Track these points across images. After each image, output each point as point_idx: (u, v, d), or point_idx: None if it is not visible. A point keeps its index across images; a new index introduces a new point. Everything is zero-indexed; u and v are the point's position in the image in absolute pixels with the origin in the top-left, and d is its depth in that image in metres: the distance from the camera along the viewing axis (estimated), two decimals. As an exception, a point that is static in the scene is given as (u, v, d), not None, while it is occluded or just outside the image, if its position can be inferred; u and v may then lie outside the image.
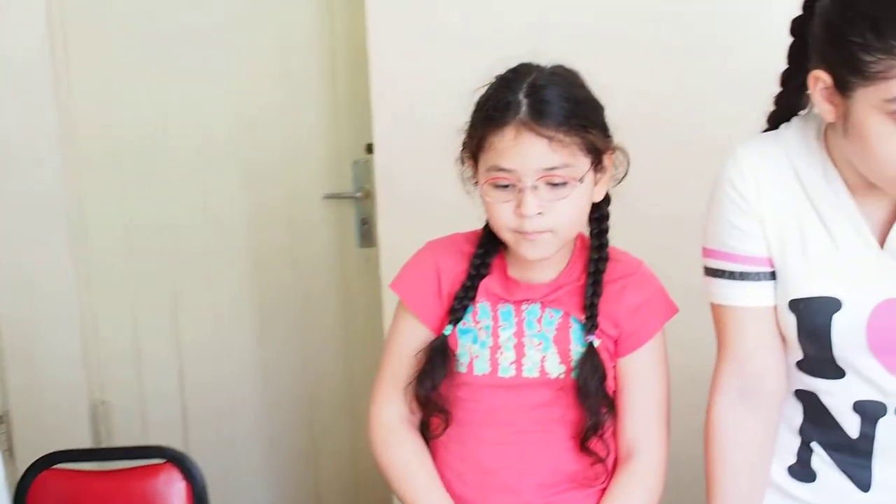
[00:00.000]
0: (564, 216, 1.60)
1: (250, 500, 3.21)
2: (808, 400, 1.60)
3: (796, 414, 1.62)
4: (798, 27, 1.53)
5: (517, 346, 1.67)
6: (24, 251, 2.97)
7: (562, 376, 1.67)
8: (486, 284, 1.70)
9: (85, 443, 3.06)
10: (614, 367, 1.70)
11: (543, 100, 1.57)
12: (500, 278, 1.71)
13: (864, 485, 1.57)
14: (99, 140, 3.05)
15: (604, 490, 1.71)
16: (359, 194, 3.03)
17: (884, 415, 1.53)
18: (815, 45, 1.44)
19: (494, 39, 2.51)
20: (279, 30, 3.00)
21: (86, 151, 3.06)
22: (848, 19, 1.36)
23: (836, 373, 1.53)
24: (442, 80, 2.59)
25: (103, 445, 3.13)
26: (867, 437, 1.54)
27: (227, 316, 3.16)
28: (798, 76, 1.50)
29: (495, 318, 1.69)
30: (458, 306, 1.69)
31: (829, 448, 1.59)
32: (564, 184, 1.59)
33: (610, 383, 1.69)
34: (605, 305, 1.67)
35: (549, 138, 1.56)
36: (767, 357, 1.59)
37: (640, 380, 1.70)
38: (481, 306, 1.70)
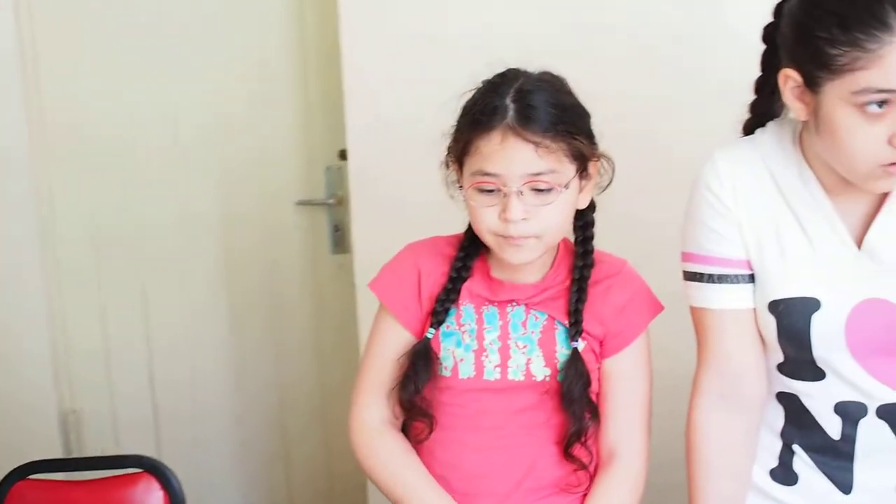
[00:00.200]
0: (549, 222, 1.61)
1: (223, 502, 3.19)
2: (789, 402, 1.61)
3: (777, 417, 1.63)
4: (769, 34, 1.56)
5: (502, 349, 1.67)
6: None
7: (547, 379, 1.67)
8: (469, 287, 1.70)
9: (55, 451, 3.03)
10: (598, 368, 1.70)
11: (530, 105, 1.58)
12: (484, 280, 1.71)
13: (845, 487, 1.58)
14: (69, 140, 3.03)
15: (585, 495, 1.71)
16: (331, 200, 3.02)
17: (864, 416, 1.54)
18: (784, 45, 1.48)
19: (470, 44, 2.51)
20: (250, 34, 2.98)
21: (55, 151, 3.03)
22: (814, 17, 1.40)
23: (817, 374, 1.55)
24: (417, 85, 2.60)
25: (74, 454, 3.10)
26: (849, 438, 1.56)
27: (198, 322, 3.14)
28: (771, 83, 1.53)
29: (479, 321, 1.69)
30: (440, 309, 1.69)
31: (811, 450, 1.60)
32: (550, 190, 1.59)
33: (594, 387, 1.69)
34: (591, 306, 1.68)
35: (536, 144, 1.56)
36: (747, 359, 1.60)
37: (624, 381, 1.70)
38: (465, 309, 1.70)
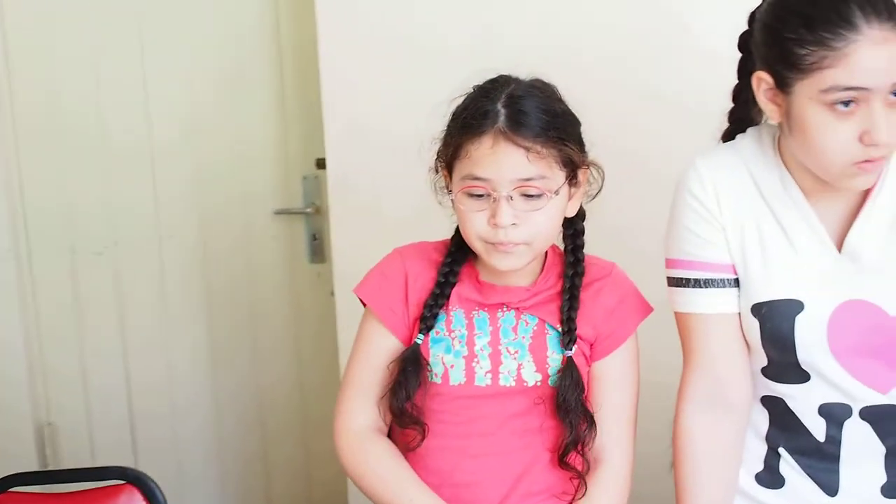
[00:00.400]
0: (539, 228, 1.61)
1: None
2: (774, 406, 1.62)
3: (763, 420, 1.64)
4: (745, 42, 1.58)
5: (493, 355, 1.67)
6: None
7: (538, 385, 1.67)
8: (458, 291, 1.70)
9: (31, 464, 3.00)
10: (588, 371, 1.70)
11: (522, 110, 1.58)
12: (474, 284, 1.70)
13: (831, 489, 1.60)
14: (43, 154, 3.01)
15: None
16: (309, 210, 3.02)
17: (849, 417, 1.56)
18: (756, 48, 1.51)
19: (450, 51, 2.51)
20: (225, 40, 2.96)
21: (29, 165, 3.01)
22: (782, 18, 1.44)
23: (801, 377, 1.56)
24: (396, 92, 2.59)
25: (50, 466, 3.08)
26: (834, 440, 1.57)
27: (175, 332, 3.12)
28: (748, 90, 1.55)
29: (470, 327, 1.68)
30: (429, 314, 1.68)
31: (797, 453, 1.61)
32: (540, 195, 1.59)
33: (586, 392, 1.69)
34: (583, 309, 1.68)
35: (527, 149, 1.57)
36: (733, 364, 1.61)
37: (612, 383, 1.70)
38: (455, 314, 1.69)
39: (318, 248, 3.03)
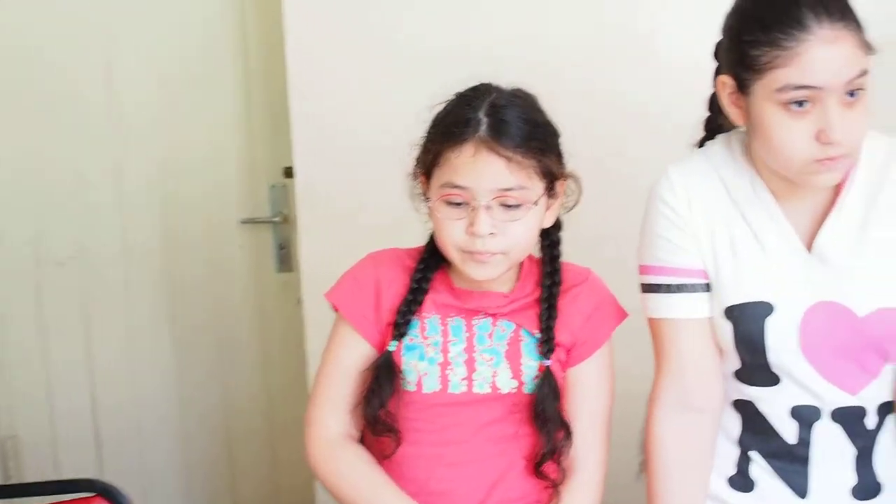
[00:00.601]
0: (516, 239, 1.61)
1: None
2: (746, 409, 1.63)
3: (734, 425, 1.65)
4: (718, 51, 1.60)
5: (468, 362, 1.66)
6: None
7: (514, 392, 1.66)
8: (433, 298, 1.69)
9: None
10: (563, 377, 1.70)
11: (504, 120, 1.58)
12: (449, 290, 1.70)
13: (801, 491, 1.61)
14: (7, 166, 2.98)
15: None
16: (277, 219, 3.01)
17: (819, 419, 1.58)
18: (721, 54, 1.55)
19: (420, 59, 2.51)
20: (191, 43, 2.95)
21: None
22: (741, 23, 1.48)
23: (772, 379, 1.58)
24: (365, 99, 2.58)
25: (13, 480, 3.04)
26: (804, 442, 1.59)
27: (142, 341, 3.09)
28: None
29: (444, 333, 1.68)
30: (402, 320, 1.67)
31: (768, 456, 1.63)
32: (518, 206, 1.59)
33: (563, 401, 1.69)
34: (560, 315, 1.68)
35: (508, 159, 1.57)
36: (705, 368, 1.62)
37: (587, 389, 1.70)
38: (430, 321, 1.68)
39: (285, 258, 3.03)
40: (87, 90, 2.96)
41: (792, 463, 1.61)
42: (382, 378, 1.65)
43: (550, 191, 1.64)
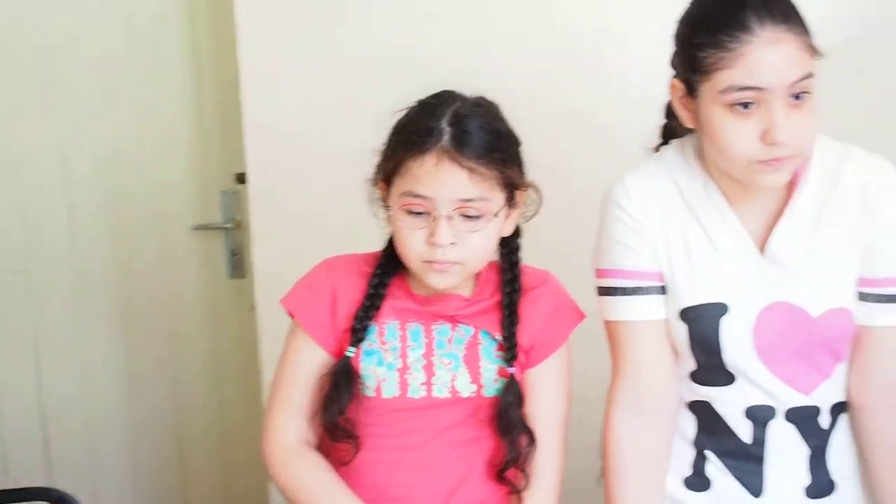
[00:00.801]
0: (476, 250, 1.60)
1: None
2: (702, 410, 1.65)
3: (691, 426, 1.67)
4: (673, 58, 1.62)
5: (426, 367, 1.66)
6: None
7: (473, 395, 1.66)
8: (393, 303, 1.68)
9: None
10: (522, 379, 1.69)
11: (466, 130, 1.57)
12: (407, 295, 1.69)
13: (756, 490, 1.63)
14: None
15: None
16: (229, 225, 2.99)
17: (773, 418, 1.60)
18: (672, 59, 1.57)
19: (376, 60, 2.50)
20: (142, 50, 2.92)
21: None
22: (690, 27, 1.52)
23: (727, 379, 1.60)
24: (321, 104, 2.56)
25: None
26: (759, 441, 1.61)
27: (93, 347, 3.06)
28: None
29: (403, 339, 1.67)
30: (359, 326, 1.65)
31: (724, 455, 1.65)
32: (479, 217, 1.59)
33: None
34: (521, 317, 1.67)
35: (470, 169, 1.56)
36: (661, 370, 1.64)
37: (546, 390, 1.70)
38: (389, 327, 1.67)
39: (237, 264, 3.00)
40: (38, 101, 2.94)
41: (747, 462, 1.63)
42: (341, 384, 1.64)
43: (511, 200, 1.64)
